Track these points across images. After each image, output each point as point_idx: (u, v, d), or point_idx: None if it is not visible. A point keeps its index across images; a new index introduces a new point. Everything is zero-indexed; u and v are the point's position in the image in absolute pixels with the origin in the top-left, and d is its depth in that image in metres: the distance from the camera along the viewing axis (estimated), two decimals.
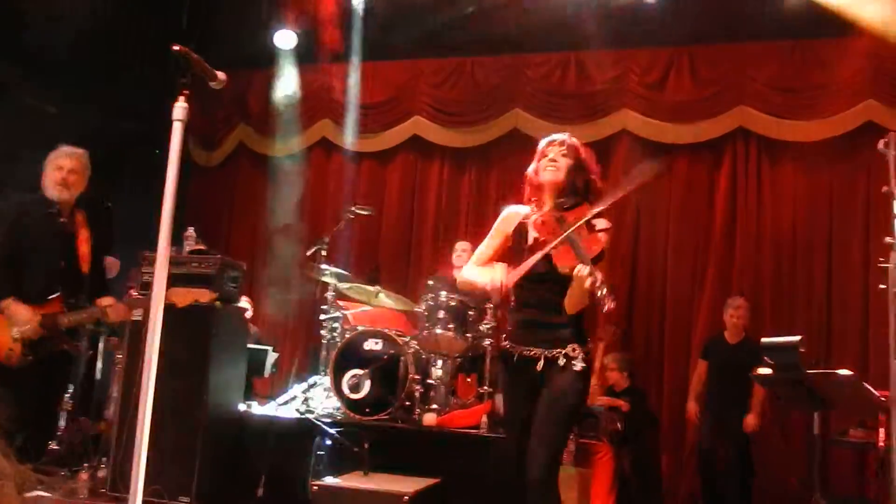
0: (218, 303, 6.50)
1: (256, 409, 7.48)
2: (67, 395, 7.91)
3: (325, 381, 7.43)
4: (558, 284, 3.99)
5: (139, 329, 6.30)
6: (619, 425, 7.82)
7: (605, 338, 8.35)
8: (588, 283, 3.69)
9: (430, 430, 6.84)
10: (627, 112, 9.32)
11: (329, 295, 7.88)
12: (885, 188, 4.26)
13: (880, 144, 4.42)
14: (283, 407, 7.47)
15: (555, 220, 4.01)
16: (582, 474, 7.08)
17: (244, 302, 7.76)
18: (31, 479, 2.04)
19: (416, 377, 7.24)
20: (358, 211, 8.24)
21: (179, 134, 3.24)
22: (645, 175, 4.32)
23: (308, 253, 7.97)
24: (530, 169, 4.32)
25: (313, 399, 7.52)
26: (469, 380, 7.83)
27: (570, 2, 8.97)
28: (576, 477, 6.90)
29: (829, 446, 7.20)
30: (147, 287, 6.32)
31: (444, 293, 7.37)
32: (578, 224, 3.91)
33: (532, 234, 4.15)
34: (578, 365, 4.02)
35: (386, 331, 7.39)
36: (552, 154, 4.20)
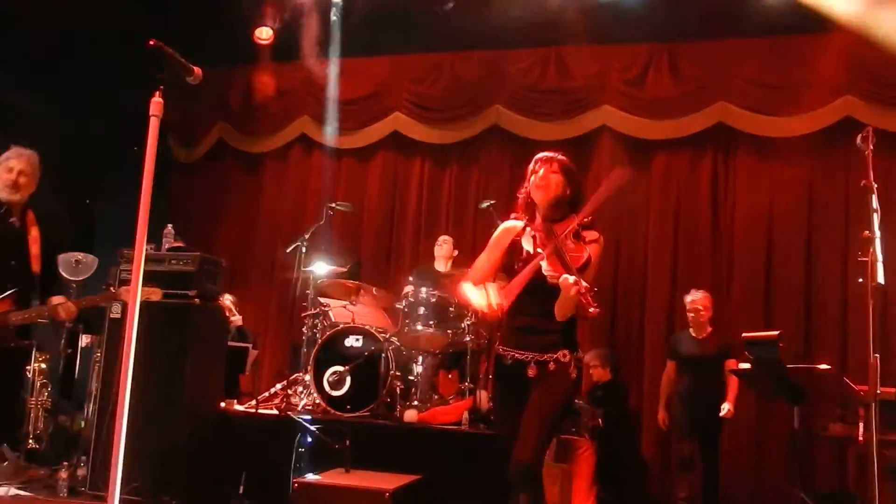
0: (197, 300, 6.48)
1: (237, 406, 7.46)
2: (46, 394, 7.89)
3: (306, 377, 7.42)
4: (549, 293, 4.16)
5: (118, 327, 6.28)
6: (600, 421, 7.82)
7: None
8: (573, 290, 3.91)
9: (412, 426, 6.85)
10: (608, 108, 9.31)
11: (310, 291, 7.86)
12: (863, 182, 4.27)
13: (858, 139, 4.43)
14: (264, 404, 7.45)
15: (545, 233, 4.27)
16: (563, 470, 7.08)
17: (226, 299, 7.74)
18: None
19: (397, 374, 7.25)
20: (338, 207, 8.23)
21: (155, 129, 3.24)
22: (619, 181, 4.40)
23: (289, 250, 7.95)
24: (525, 186, 4.50)
25: (294, 396, 7.51)
26: (450, 376, 7.83)
27: None
28: (557, 473, 6.90)
29: (809, 441, 7.24)
30: (124, 284, 6.28)
31: (424, 289, 7.37)
32: (564, 234, 4.19)
33: (526, 247, 4.34)
34: (572, 373, 4.24)
35: (367, 327, 7.39)
36: (542, 171, 4.40)
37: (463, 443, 6.48)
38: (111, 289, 6.58)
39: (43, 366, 8.45)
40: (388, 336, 7.38)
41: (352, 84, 10.30)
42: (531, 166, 4.48)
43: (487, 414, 6.71)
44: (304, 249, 7.83)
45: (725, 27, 8.89)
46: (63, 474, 6.34)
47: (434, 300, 7.34)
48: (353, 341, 7.29)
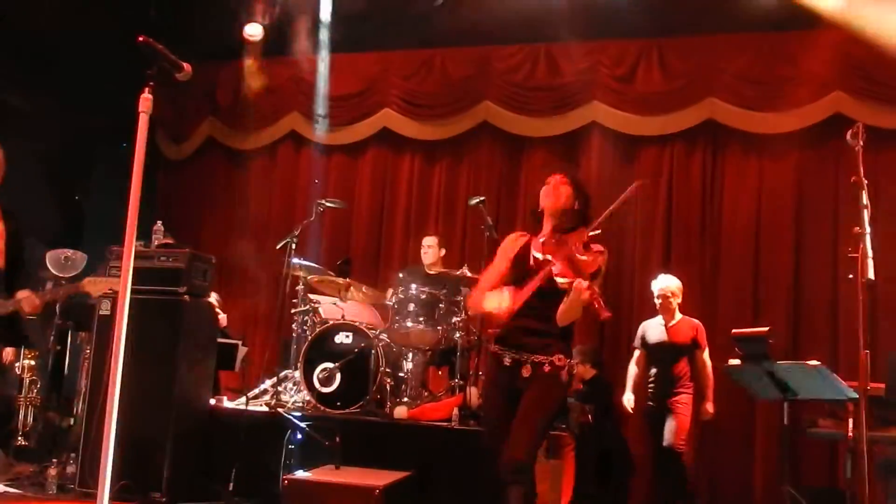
0: (187, 297, 6.47)
1: (227, 403, 7.44)
2: (36, 391, 7.87)
3: (296, 374, 7.41)
4: (552, 298, 4.31)
5: (107, 324, 6.25)
6: (589, 417, 7.81)
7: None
8: (586, 295, 4.08)
9: (402, 423, 6.84)
10: (597, 104, 9.31)
11: (300, 288, 7.85)
12: (853, 178, 4.28)
13: (848, 135, 4.43)
14: (254, 401, 7.44)
15: (555, 242, 4.46)
16: (553, 466, 7.08)
17: (212, 298, 7.70)
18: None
19: (387, 370, 7.24)
20: (328, 204, 8.21)
21: (145, 126, 3.23)
22: (630, 193, 4.53)
23: (278, 246, 7.93)
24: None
25: (284, 393, 7.49)
26: (440, 373, 7.84)
27: None
28: (547, 469, 6.89)
29: (798, 437, 7.24)
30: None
31: (414, 286, 7.37)
32: (579, 241, 4.35)
33: (534, 255, 4.50)
34: (565, 376, 4.38)
35: (357, 324, 7.38)
36: (553, 184, 4.60)
37: (453, 439, 6.47)
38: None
39: (32, 362, 8.43)
40: (377, 333, 7.38)
41: (341, 80, 10.28)
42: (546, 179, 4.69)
43: (477, 410, 6.71)
44: (293, 246, 7.81)
45: (715, 23, 8.90)
46: (52, 471, 6.32)
47: (424, 297, 7.33)
48: (342, 338, 7.28)
